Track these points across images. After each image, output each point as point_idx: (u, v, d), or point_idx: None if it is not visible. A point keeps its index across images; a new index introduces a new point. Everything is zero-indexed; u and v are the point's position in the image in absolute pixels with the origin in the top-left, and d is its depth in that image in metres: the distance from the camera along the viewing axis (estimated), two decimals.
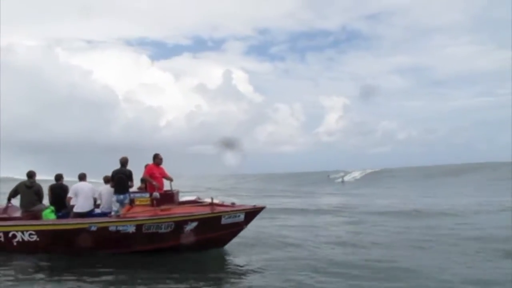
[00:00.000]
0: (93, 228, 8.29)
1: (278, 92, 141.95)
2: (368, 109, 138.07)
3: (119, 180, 9.14)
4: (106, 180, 9.57)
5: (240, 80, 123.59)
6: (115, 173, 9.19)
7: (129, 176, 9.19)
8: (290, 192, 31.82)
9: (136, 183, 9.74)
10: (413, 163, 62.29)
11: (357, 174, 59.04)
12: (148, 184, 9.27)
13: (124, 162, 9.29)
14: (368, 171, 60.45)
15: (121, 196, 9.11)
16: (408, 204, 19.70)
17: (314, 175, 59.09)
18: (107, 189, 9.47)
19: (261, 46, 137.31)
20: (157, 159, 9.31)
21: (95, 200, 9.45)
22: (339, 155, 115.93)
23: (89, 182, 9.52)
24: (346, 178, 54.79)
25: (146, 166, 9.46)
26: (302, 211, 16.04)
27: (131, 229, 8.25)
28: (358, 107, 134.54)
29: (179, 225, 8.32)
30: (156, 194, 8.85)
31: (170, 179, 9.35)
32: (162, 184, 9.26)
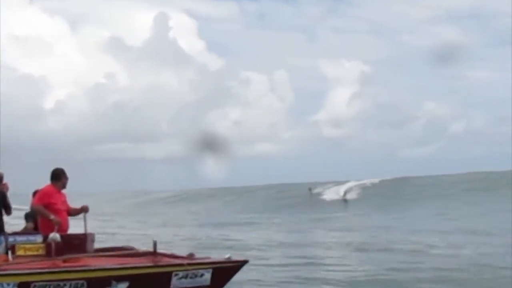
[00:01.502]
0: None
1: (248, 53, 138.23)
2: (402, 82, 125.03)
3: None
4: None
5: (184, 32, 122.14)
6: None
7: (1, 202, 9.06)
8: (236, 226, 31.49)
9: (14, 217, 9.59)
10: (473, 168, 61.70)
11: (356, 185, 59.73)
12: (41, 219, 9.10)
13: None
14: (377, 180, 61.47)
15: None
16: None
17: (299, 188, 59.65)
18: None
19: None
20: (62, 177, 9.34)
21: None
22: (351, 159, 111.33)
23: None
24: (349, 193, 55.29)
25: (37, 191, 9.48)
26: None
27: None
28: (384, 78, 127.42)
29: (97, 286, 8.15)
30: (56, 235, 8.62)
31: (84, 210, 9.41)
32: (65, 220, 9.20)
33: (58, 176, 9.28)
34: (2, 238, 8.88)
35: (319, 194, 57.40)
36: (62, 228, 8.90)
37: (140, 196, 74.04)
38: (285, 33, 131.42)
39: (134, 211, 55.14)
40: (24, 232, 9.20)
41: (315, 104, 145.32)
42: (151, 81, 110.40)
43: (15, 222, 10.04)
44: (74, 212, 9.45)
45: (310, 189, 59.65)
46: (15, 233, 8.96)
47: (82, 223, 9.51)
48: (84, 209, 9.42)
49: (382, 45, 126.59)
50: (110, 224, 30.82)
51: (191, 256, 8.87)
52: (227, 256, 8.76)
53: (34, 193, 9.64)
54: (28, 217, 9.72)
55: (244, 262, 8.87)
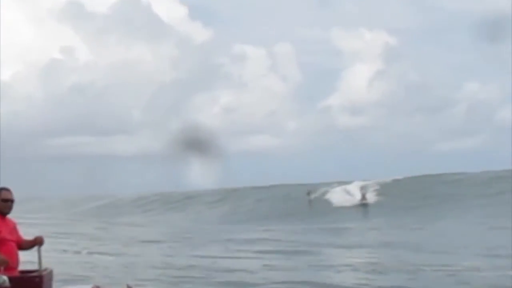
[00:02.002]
0: None
1: (242, 21, 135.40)
2: (438, 58, 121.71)
3: None
4: None
5: None
6: None
7: None
8: (218, 243, 31.26)
9: None
10: None
11: (370, 184, 59.79)
12: None
13: None
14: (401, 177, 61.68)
15: None
16: None
17: (300, 190, 59.67)
18: None
19: None
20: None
21: None
22: (373, 154, 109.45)
23: None
24: (368, 193, 54.93)
25: None
26: None
27: None
28: (415, 53, 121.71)
29: None
30: (4, 279, 8.56)
31: (38, 242, 9.33)
32: (15, 255, 9.15)
33: None
34: None
35: (324, 195, 57.34)
36: (10, 267, 8.78)
37: (101, 199, 73.79)
38: None
39: (91, 219, 55.05)
40: None
41: (327, 85, 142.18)
42: (120, 58, 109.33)
43: None
44: (25, 245, 9.37)
45: (308, 193, 59.52)
46: None
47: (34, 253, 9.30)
48: (38, 241, 9.28)
49: (413, 10, 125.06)
50: (64, 241, 30.67)
51: None
52: None
53: None
54: None
55: None
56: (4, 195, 9.23)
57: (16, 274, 8.93)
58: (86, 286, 9.92)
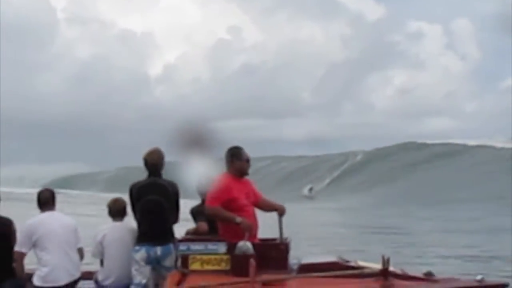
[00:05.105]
0: None
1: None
2: None
3: (152, 208, 9.03)
4: (117, 208, 9.57)
5: None
6: (141, 190, 9.10)
7: (173, 200, 9.11)
8: None
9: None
10: None
11: None
12: (220, 222, 8.95)
13: (157, 161, 9.18)
14: None
15: (157, 250, 8.93)
16: None
17: None
18: (119, 230, 9.43)
19: None
20: (237, 160, 9.04)
21: (82, 255, 9.50)
22: None
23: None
24: None
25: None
26: None
27: None
28: None
29: None
30: (247, 246, 8.38)
31: (279, 209, 9.18)
32: (253, 220, 8.96)
33: (232, 158, 8.96)
34: (171, 246, 8.81)
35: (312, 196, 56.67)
36: (251, 233, 8.65)
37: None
38: None
39: None
40: (200, 237, 8.86)
41: (509, 64, 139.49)
42: (289, 37, 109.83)
43: None
44: (264, 206, 9.19)
45: (310, 189, 58.26)
46: (188, 240, 8.66)
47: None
48: (280, 211, 9.09)
49: None
50: None
51: (429, 275, 8.35)
52: (479, 277, 8.19)
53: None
54: (197, 214, 9.42)
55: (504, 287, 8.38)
56: (245, 155, 9.03)
57: (256, 241, 8.77)
58: (329, 257, 9.54)
